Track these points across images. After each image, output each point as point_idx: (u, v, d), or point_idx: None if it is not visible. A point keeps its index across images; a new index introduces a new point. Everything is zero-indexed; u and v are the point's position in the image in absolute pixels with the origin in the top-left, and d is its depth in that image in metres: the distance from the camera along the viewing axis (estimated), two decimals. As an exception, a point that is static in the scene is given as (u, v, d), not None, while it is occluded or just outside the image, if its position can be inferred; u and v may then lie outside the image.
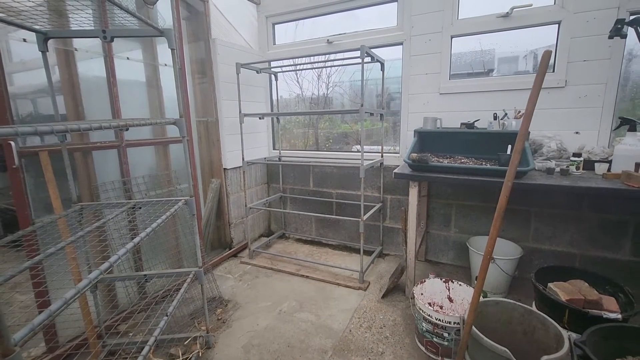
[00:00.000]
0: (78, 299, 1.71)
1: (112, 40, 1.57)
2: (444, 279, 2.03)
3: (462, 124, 2.50)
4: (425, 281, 2.03)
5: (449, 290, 2.01)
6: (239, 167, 3.11)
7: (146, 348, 1.31)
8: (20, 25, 1.45)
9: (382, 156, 2.93)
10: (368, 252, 3.02)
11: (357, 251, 3.19)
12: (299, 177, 3.46)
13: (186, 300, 2.30)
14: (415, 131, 2.54)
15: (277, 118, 3.42)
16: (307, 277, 2.70)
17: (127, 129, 1.91)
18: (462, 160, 2.26)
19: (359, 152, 3.31)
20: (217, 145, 2.98)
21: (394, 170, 2.24)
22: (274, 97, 3.46)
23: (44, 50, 1.55)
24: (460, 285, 1.98)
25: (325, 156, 3.36)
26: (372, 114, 2.70)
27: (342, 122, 4.06)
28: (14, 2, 1.22)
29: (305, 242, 3.48)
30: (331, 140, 3.98)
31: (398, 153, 3.00)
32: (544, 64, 1.15)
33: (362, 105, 2.33)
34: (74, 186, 1.70)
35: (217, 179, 3.02)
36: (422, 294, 1.98)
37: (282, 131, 3.63)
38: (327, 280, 2.63)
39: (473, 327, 1.40)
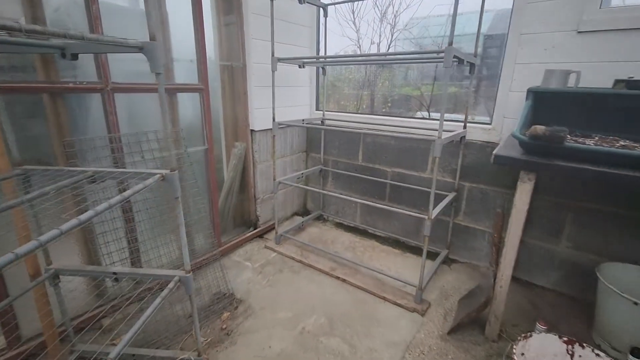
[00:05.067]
0: (33, 292, 1.27)
1: None
2: (564, 339, 1.24)
3: (617, 81, 1.52)
4: (531, 335, 1.26)
5: (572, 356, 1.22)
6: (270, 129, 2.45)
7: None
8: None
9: (464, 127, 2.06)
10: (429, 256, 2.26)
11: (412, 250, 2.45)
12: (346, 147, 2.72)
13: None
14: (529, 91, 1.63)
15: (324, 68, 2.65)
16: (344, 280, 2.06)
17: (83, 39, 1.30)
18: (621, 143, 1.34)
19: (427, 119, 2.45)
20: (243, 100, 2.33)
21: (495, 152, 1.40)
22: (322, 40, 2.66)
23: None
24: (596, 354, 1.18)
25: (381, 122, 2.54)
26: (460, 61, 1.80)
27: (404, 80, 3.16)
28: None
29: (347, 228, 2.81)
30: (389, 104, 3.13)
31: (490, 124, 2.10)
32: None
33: (450, 44, 1.48)
34: (11, 137, 1.18)
35: (242, 143, 2.42)
36: (522, 353, 1.23)
37: (330, 91, 2.86)
38: (369, 290, 1.97)
39: None
